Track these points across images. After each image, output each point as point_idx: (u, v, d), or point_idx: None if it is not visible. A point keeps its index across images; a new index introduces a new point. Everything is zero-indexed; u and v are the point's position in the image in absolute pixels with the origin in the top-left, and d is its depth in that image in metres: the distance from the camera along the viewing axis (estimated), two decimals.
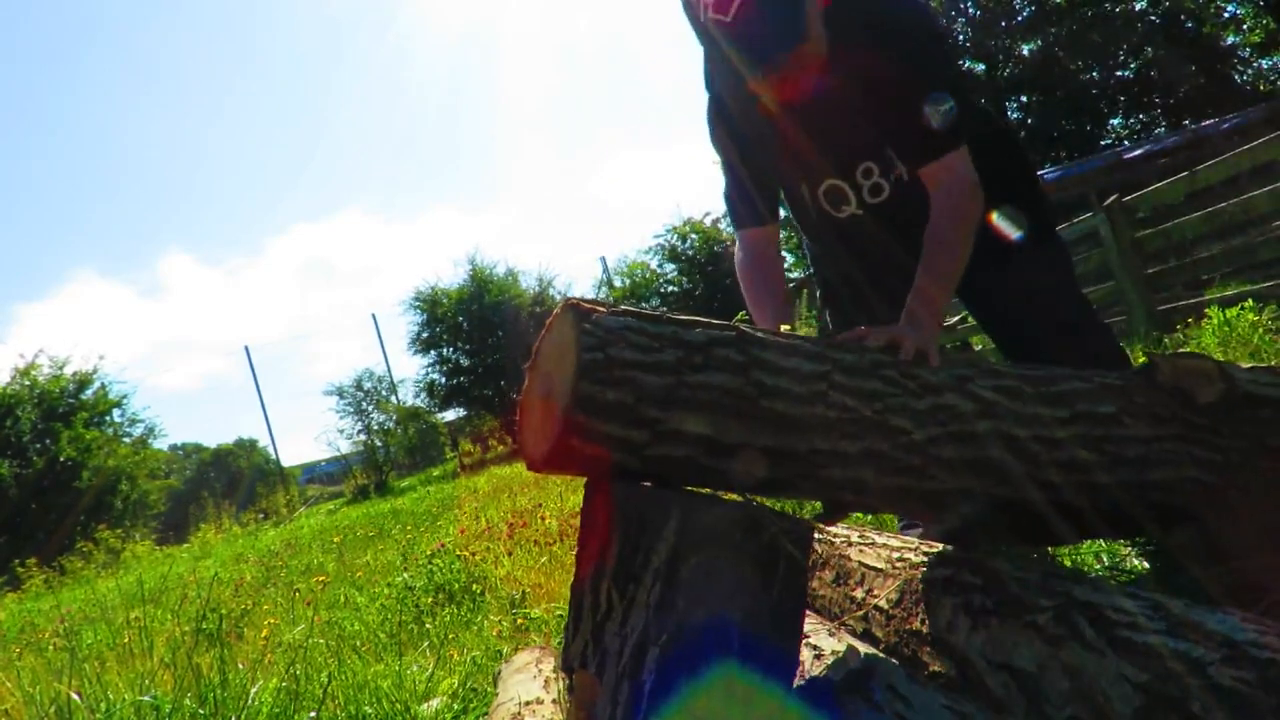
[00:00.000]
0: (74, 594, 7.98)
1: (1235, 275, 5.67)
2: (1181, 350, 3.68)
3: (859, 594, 1.23)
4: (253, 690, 1.71)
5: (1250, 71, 18.24)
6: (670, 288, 19.26)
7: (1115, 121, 19.39)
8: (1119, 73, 18.76)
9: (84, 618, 4.85)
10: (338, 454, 17.52)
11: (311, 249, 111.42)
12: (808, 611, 1.10)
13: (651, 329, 0.87)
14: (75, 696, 1.69)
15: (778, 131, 1.46)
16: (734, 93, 1.46)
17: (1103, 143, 18.12)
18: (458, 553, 3.39)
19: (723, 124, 1.55)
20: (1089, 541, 1.51)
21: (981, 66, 18.31)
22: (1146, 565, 1.42)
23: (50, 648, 3.70)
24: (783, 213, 1.69)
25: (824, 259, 1.74)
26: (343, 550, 5.55)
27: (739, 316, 1.70)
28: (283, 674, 1.88)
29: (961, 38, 17.88)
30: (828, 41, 1.31)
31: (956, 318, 6.17)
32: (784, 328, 1.36)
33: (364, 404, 17.65)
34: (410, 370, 35.90)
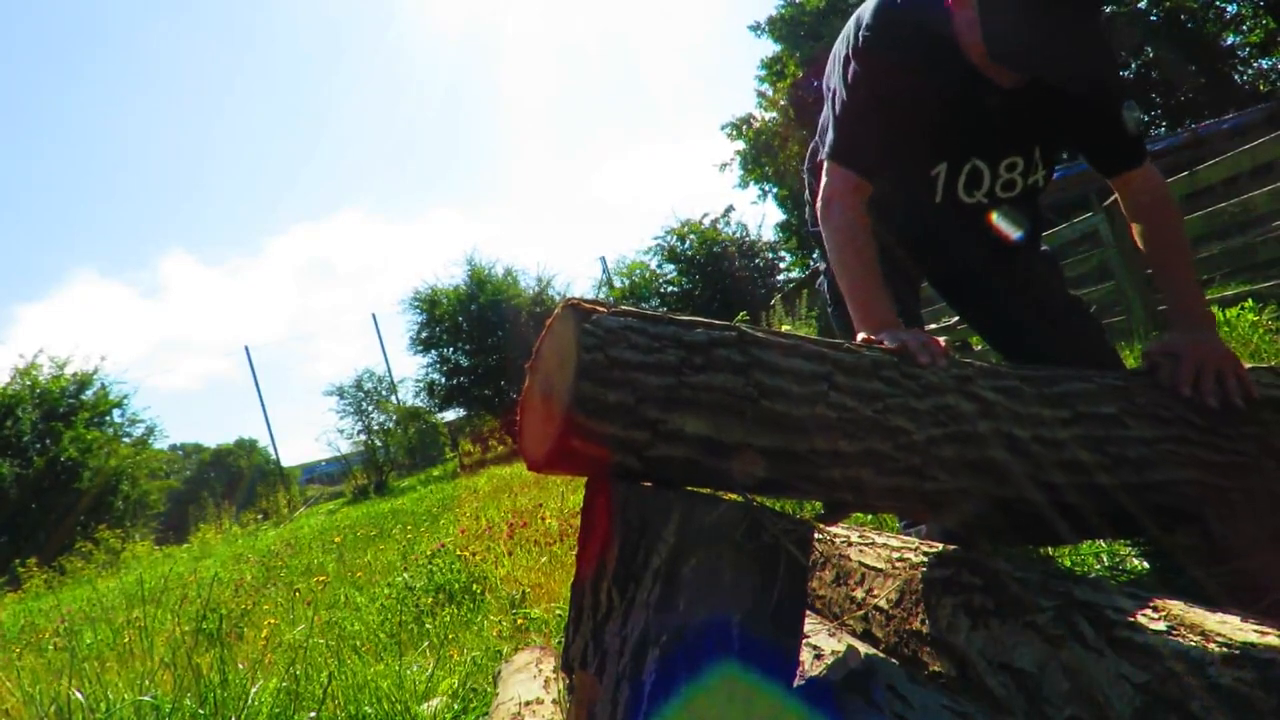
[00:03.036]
0: (74, 594, 7.97)
1: (1235, 275, 5.66)
2: None
3: (859, 594, 1.23)
4: (253, 690, 1.70)
5: (1250, 71, 18.24)
6: (670, 288, 19.25)
7: None
8: (1119, 72, 18.74)
9: (84, 618, 4.85)
10: (338, 454, 17.53)
11: (311, 249, 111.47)
12: (808, 611, 1.10)
13: (652, 329, 0.87)
14: (78, 695, 1.69)
15: (968, 98, 1.38)
16: (942, 44, 1.35)
17: None
18: (458, 553, 3.39)
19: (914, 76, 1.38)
20: (1089, 541, 1.51)
21: None
22: (1146, 565, 1.42)
23: (50, 648, 3.70)
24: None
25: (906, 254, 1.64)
26: (343, 550, 5.54)
27: (739, 317, 1.70)
28: (283, 674, 1.88)
29: None
30: None
31: (956, 318, 6.17)
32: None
33: (364, 404, 17.65)
34: (410, 370, 35.93)
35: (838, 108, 1.43)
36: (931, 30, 1.33)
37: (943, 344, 1.12)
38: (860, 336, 1.21)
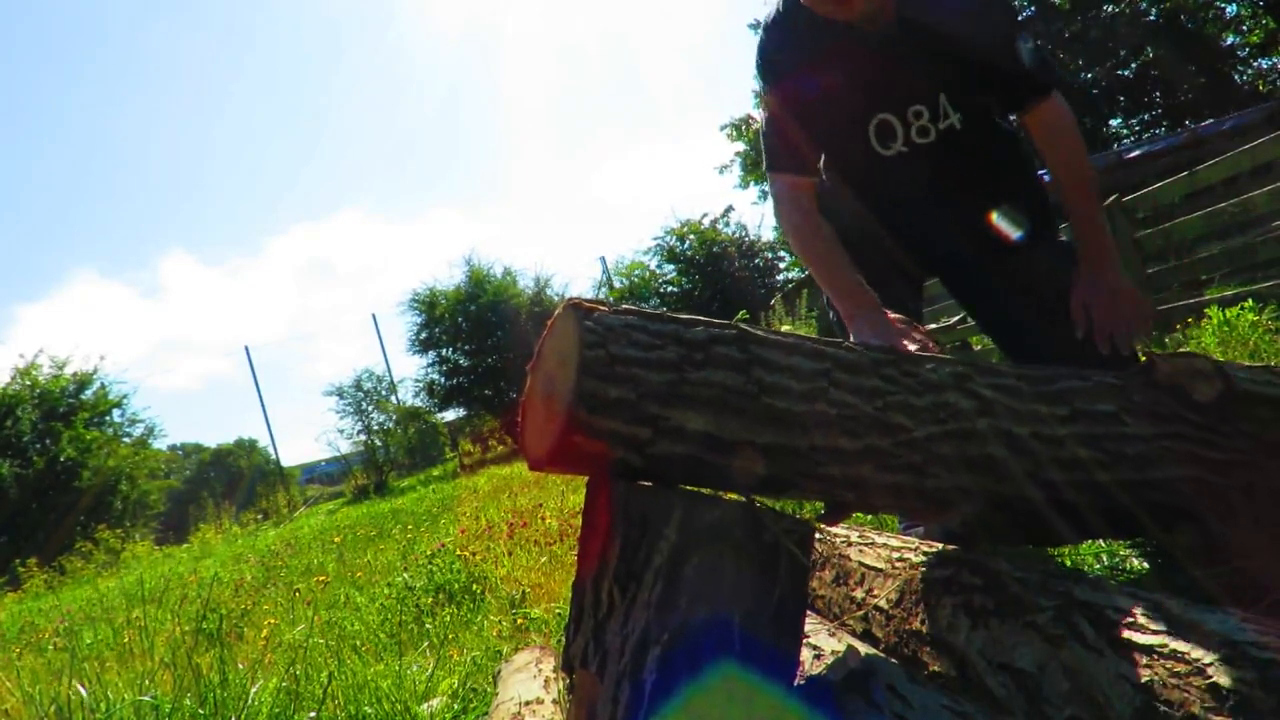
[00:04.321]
0: (74, 594, 7.98)
1: (1235, 275, 5.67)
2: (1180, 350, 3.68)
3: (859, 594, 1.23)
4: (253, 690, 1.70)
5: (1250, 71, 18.24)
6: (669, 288, 19.26)
7: (1115, 121, 19.39)
8: (1119, 73, 18.75)
9: (84, 618, 4.85)
10: (338, 454, 17.52)
11: (311, 249, 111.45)
12: (808, 611, 1.10)
13: (653, 327, 0.87)
14: (82, 691, 1.69)
15: (848, 58, 1.47)
16: (811, 24, 1.47)
17: (1103, 143, 18.12)
18: (458, 553, 3.39)
19: (787, 56, 1.54)
20: (1089, 541, 1.51)
21: None
22: (1146, 565, 1.42)
23: (50, 648, 3.71)
24: None
25: (859, 214, 1.70)
26: (343, 550, 5.54)
27: (739, 316, 1.71)
28: (283, 674, 1.88)
29: None
30: None
31: (956, 318, 6.17)
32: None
33: (364, 404, 17.63)
34: (410, 370, 35.90)
35: (763, 125, 1.62)
36: (790, 19, 1.47)
37: (912, 332, 1.28)
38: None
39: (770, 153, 1.58)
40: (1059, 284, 1.61)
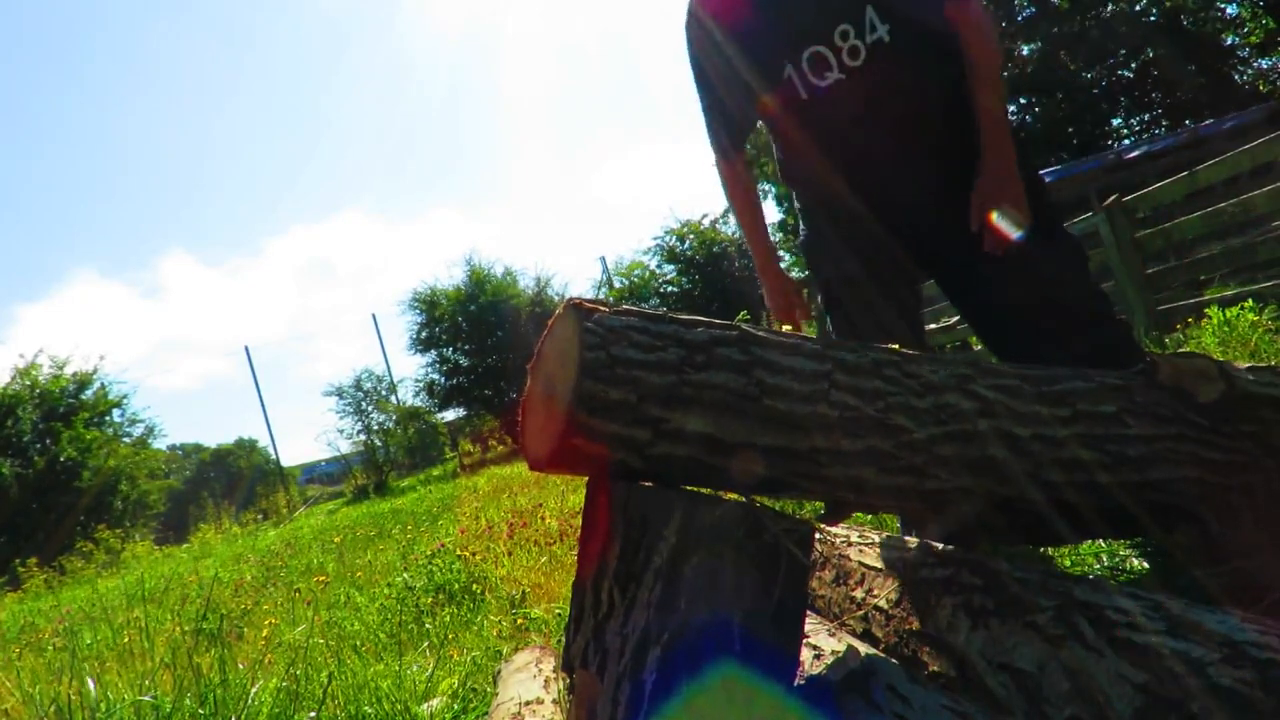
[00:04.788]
0: (74, 594, 7.97)
1: (1235, 275, 5.67)
2: (1182, 350, 3.68)
3: (859, 594, 1.23)
4: (253, 690, 1.70)
5: (1250, 71, 18.23)
6: (669, 288, 19.26)
7: (1115, 121, 19.37)
8: (1119, 73, 18.75)
9: (84, 618, 4.85)
10: (338, 454, 17.52)
11: (311, 249, 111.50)
12: (808, 611, 1.10)
13: (654, 328, 0.87)
14: (90, 685, 1.69)
15: (763, 5, 1.61)
16: None
17: (1103, 143, 18.11)
18: (458, 553, 3.39)
19: (702, 28, 1.71)
20: (1089, 541, 1.51)
21: None
22: (1146, 565, 1.42)
23: (50, 648, 3.70)
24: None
25: (816, 184, 1.79)
26: (343, 550, 5.54)
27: (740, 316, 1.72)
28: (283, 674, 1.88)
29: None
30: None
31: (955, 318, 6.17)
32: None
33: (364, 404, 17.64)
34: (410, 370, 35.90)
35: (703, 116, 1.80)
36: None
37: (794, 305, 1.67)
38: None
39: (716, 145, 1.80)
40: (1063, 280, 1.57)
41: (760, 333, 0.95)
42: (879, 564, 1.22)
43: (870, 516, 2.01)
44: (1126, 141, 17.73)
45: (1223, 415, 1.13)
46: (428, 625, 2.49)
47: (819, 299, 1.90)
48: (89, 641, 3.54)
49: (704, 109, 1.79)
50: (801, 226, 1.86)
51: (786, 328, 1.68)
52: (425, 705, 1.64)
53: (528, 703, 1.33)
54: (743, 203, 1.83)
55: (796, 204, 1.88)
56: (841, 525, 1.54)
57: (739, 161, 1.81)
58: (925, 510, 1.06)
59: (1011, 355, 1.54)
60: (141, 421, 20.66)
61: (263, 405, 21.67)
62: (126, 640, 2.94)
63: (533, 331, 16.48)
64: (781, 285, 1.76)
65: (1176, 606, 0.76)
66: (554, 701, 1.34)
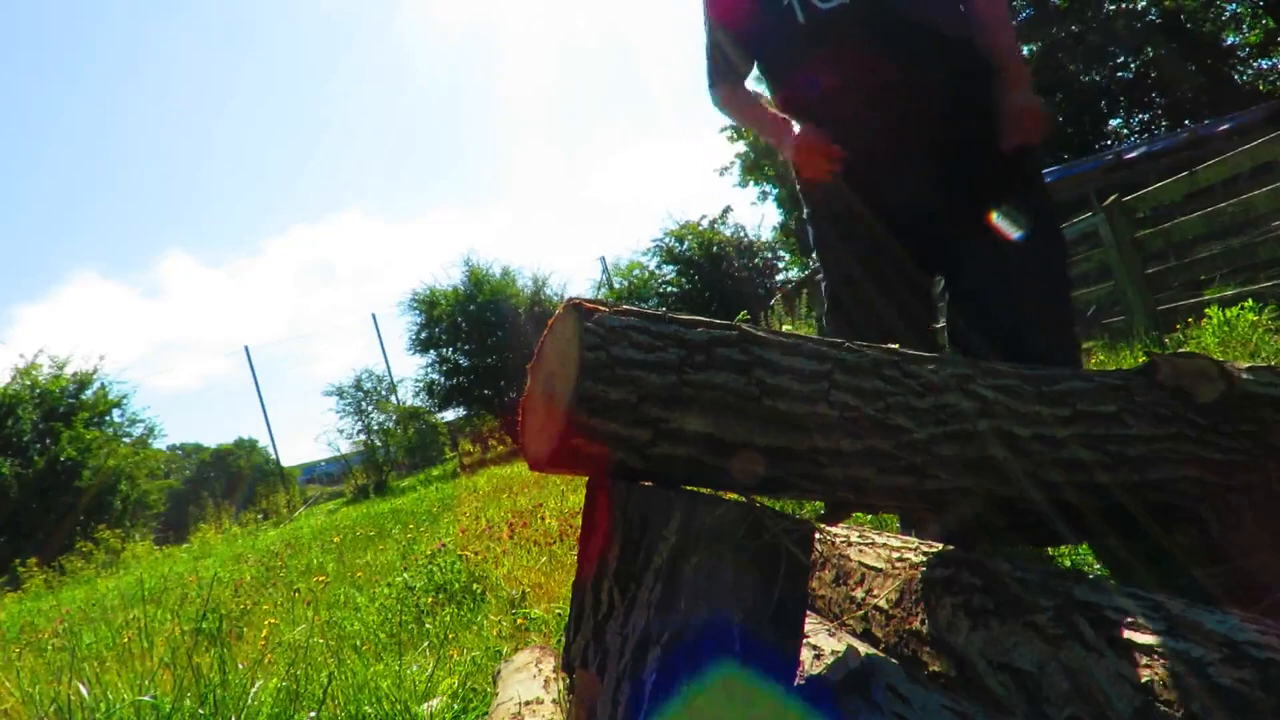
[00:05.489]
0: (74, 594, 7.98)
1: (1235, 275, 5.67)
2: (1181, 350, 3.68)
3: (859, 594, 1.23)
4: (253, 690, 1.70)
5: (1250, 71, 18.23)
6: (669, 288, 19.27)
7: (1115, 121, 19.38)
8: (1119, 73, 18.75)
9: (84, 618, 4.85)
10: (338, 454, 17.52)
11: (311, 249, 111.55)
12: (808, 611, 1.10)
13: (654, 328, 0.87)
14: (83, 690, 1.69)
15: None
16: None
17: (1103, 143, 18.11)
18: (458, 553, 3.39)
19: None
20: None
21: None
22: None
23: (50, 648, 3.70)
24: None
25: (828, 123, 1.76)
26: (343, 550, 5.54)
27: (740, 316, 1.71)
28: (283, 674, 1.88)
29: None
30: None
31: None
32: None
33: (364, 404, 17.63)
34: (410, 370, 35.89)
35: (705, 49, 1.91)
36: None
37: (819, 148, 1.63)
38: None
39: (712, 71, 1.90)
40: (1043, 277, 1.57)
41: (760, 333, 0.95)
42: (879, 564, 1.22)
43: (870, 516, 2.01)
44: (1126, 141, 17.73)
45: (1223, 415, 1.13)
46: (428, 625, 2.49)
47: (823, 300, 1.90)
48: (89, 641, 3.54)
49: (706, 46, 1.89)
50: (809, 228, 1.86)
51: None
52: (425, 705, 1.64)
53: (528, 703, 1.33)
54: (742, 106, 1.90)
55: (803, 206, 1.88)
56: (841, 525, 1.54)
57: (738, 86, 1.90)
58: (925, 510, 1.06)
59: (976, 347, 1.55)
60: (141, 421, 20.66)
61: (263, 405, 21.67)
62: (126, 640, 2.94)
63: (532, 331, 16.49)
64: (805, 135, 1.72)
65: (1176, 606, 0.76)
66: (554, 701, 1.34)
